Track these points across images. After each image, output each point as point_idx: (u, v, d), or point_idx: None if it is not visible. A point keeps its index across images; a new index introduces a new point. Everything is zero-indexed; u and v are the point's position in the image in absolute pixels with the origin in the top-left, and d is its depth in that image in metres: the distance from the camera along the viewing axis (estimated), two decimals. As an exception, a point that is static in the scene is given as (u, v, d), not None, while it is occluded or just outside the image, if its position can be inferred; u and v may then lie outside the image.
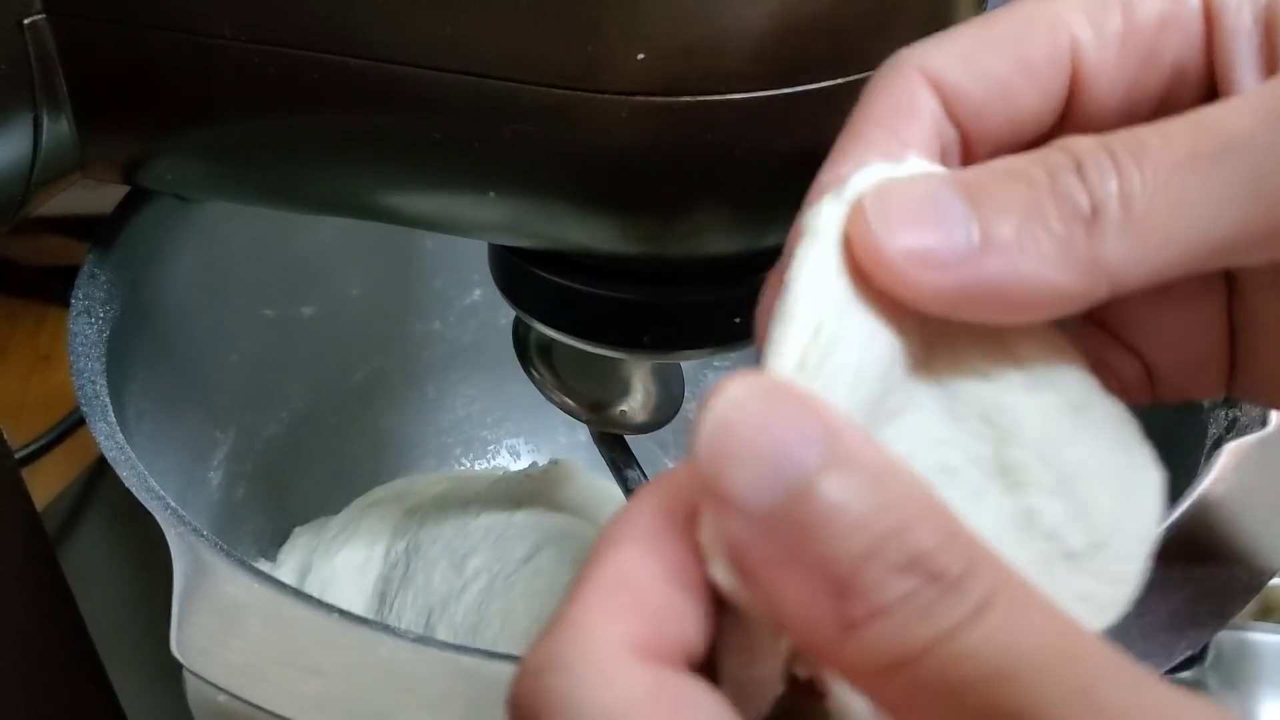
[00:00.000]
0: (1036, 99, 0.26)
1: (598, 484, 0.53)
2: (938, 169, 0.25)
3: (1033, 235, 0.23)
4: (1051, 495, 0.24)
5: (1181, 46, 0.26)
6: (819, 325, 0.22)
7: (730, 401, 0.19)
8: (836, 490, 0.19)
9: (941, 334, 0.24)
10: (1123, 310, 0.26)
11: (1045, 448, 0.24)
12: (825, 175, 0.25)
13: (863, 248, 0.23)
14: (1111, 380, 0.28)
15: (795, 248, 0.23)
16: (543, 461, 0.61)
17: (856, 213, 0.23)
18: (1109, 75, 0.26)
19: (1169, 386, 0.28)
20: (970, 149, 0.26)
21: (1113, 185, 0.23)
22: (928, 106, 0.25)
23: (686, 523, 0.21)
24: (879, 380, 0.23)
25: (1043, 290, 0.23)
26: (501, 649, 0.43)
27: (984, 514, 0.23)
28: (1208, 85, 0.27)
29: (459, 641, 0.44)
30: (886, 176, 0.24)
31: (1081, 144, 0.23)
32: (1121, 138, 0.23)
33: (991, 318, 0.23)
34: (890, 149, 0.25)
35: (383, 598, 0.49)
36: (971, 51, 0.26)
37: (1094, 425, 0.25)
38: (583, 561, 0.42)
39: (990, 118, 0.26)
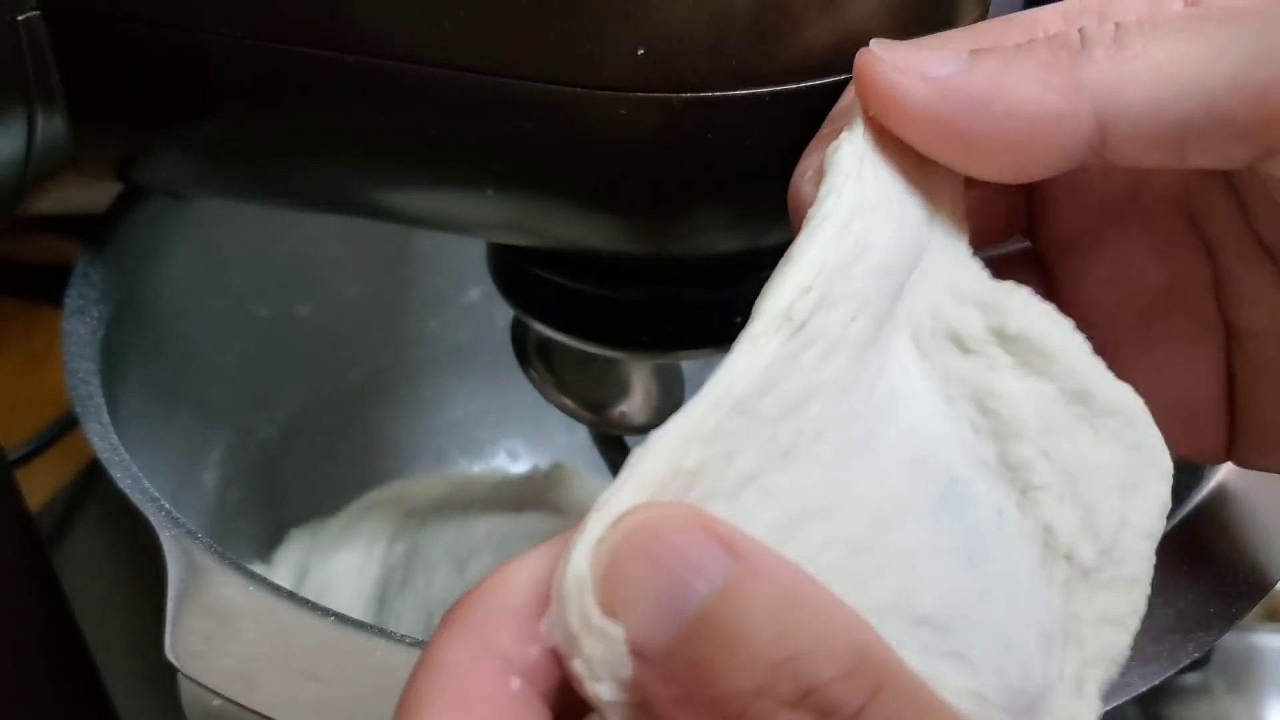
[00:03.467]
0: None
1: (600, 487, 0.53)
2: None
3: (1019, 60, 0.24)
4: (1060, 501, 0.23)
5: None
6: (809, 286, 0.22)
7: (622, 536, 0.19)
8: (731, 622, 0.18)
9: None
10: (1116, 351, 0.26)
11: (1046, 443, 0.24)
12: (825, 129, 0.27)
13: (860, 65, 0.24)
14: (1193, 427, 0.29)
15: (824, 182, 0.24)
16: (541, 463, 0.61)
17: (861, 51, 0.24)
18: None
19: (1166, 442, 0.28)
20: None
21: (1109, 30, 0.23)
22: None
23: (524, 633, 0.20)
24: (867, 347, 0.23)
25: (1024, 106, 0.23)
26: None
27: (1011, 543, 0.23)
28: None
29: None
30: None
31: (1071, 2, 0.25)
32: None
33: (979, 147, 0.24)
34: None
35: (382, 600, 0.49)
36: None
37: (1095, 414, 0.24)
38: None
39: None
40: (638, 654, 0.19)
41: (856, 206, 0.24)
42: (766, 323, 0.22)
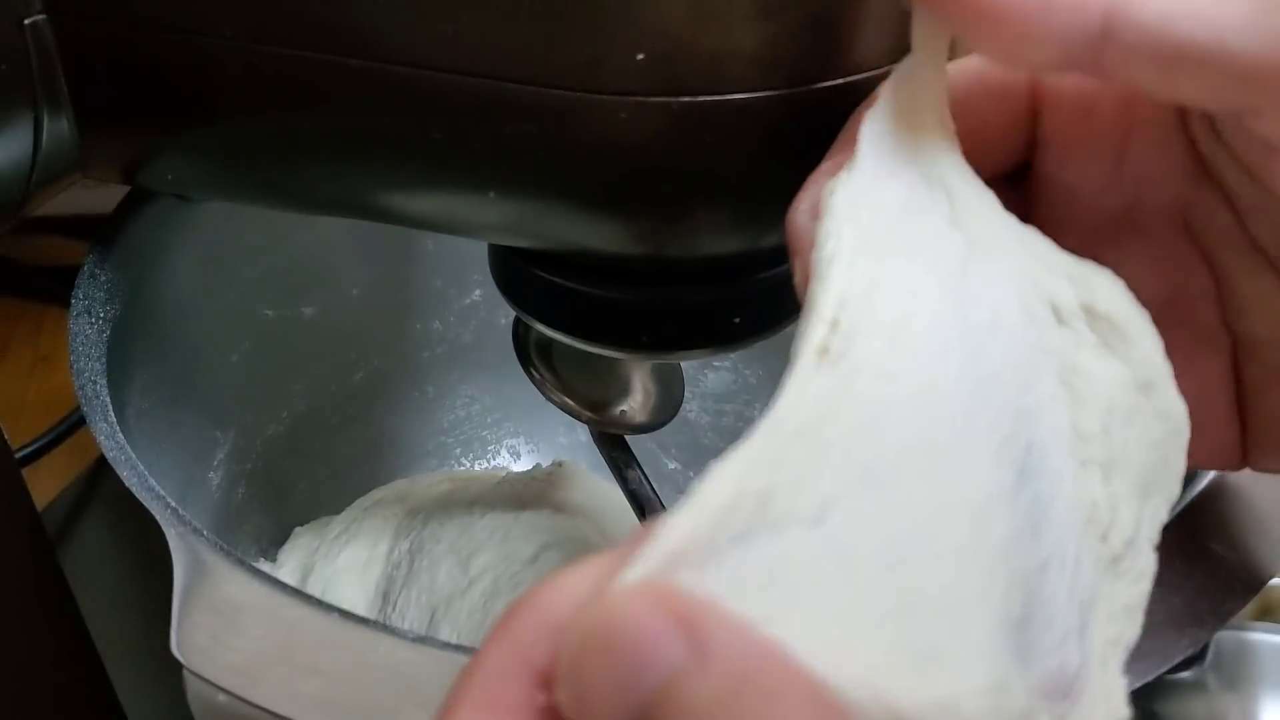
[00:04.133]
0: (998, 113, 0.28)
1: (602, 486, 0.53)
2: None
3: None
4: (1105, 483, 0.24)
5: None
6: (835, 320, 0.22)
7: (585, 625, 0.19)
8: (676, 713, 0.18)
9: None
10: None
11: (1108, 422, 0.24)
12: (826, 164, 0.27)
13: None
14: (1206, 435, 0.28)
15: (821, 226, 0.24)
16: (542, 462, 0.61)
17: None
18: (1067, 94, 0.28)
19: (1262, 458, 0.29)
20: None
21: None
22: None
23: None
24: (929, 351, 0.23)
25: None
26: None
27: (1066, 511, 0.23)
28: None
29: (463, 639, 0.44)
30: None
31: None
32: None
33: (984, 7, 0.23)
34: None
35: (385, 596, 0.49)
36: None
37: (1151, 415, 0.24)
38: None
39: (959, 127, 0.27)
40: None
41: (856, 248, 0.24)
42: (805, 361, 0.22)
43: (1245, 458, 0.30)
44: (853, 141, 0.26)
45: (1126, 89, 0.27)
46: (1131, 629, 0.24)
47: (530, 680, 0.20)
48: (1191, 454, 0.26)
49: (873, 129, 0.26)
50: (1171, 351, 0.28)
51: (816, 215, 0.25)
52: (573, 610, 0.20)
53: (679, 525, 0.19)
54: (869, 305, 0.23)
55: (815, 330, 0.22)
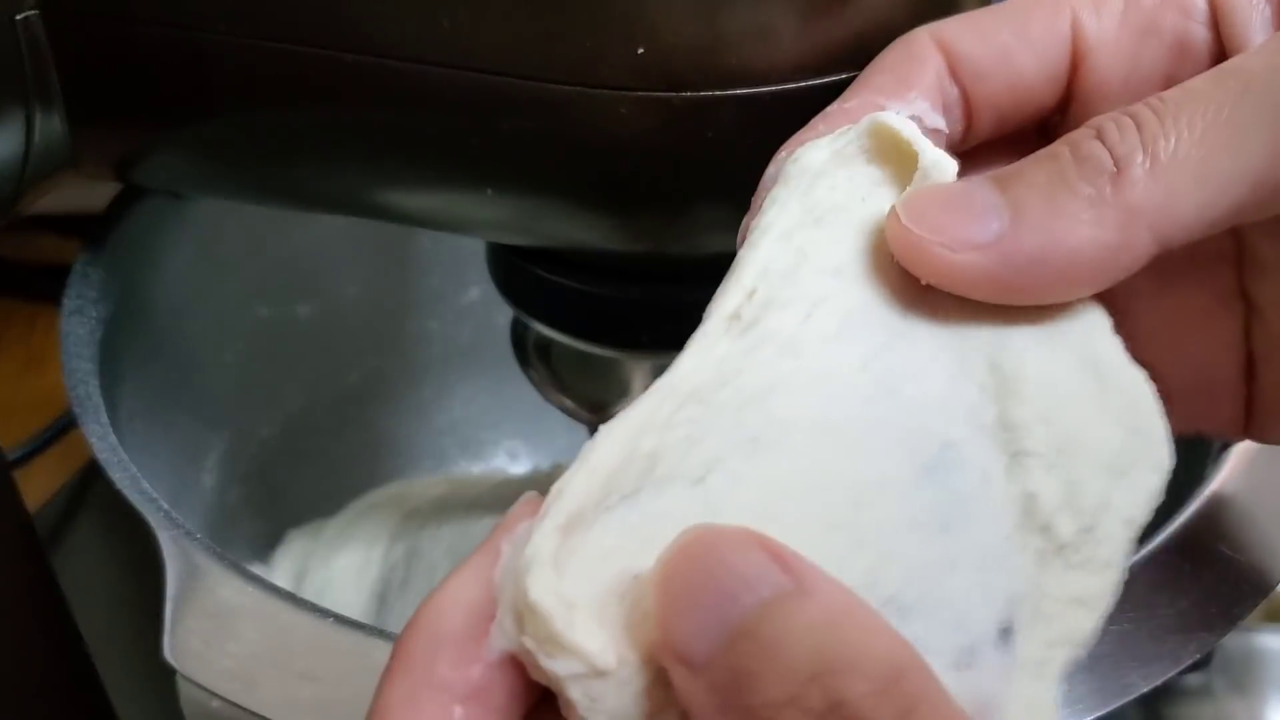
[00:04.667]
0: (1035, 65, 0.27)
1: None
2: (939, 118, 0.26)
3: (1062, 199, 0.23)
4: (1048, 471, 0.23)
5: (1181, 20, 0.27)
6: (753, 289, 0.23)
7: (680, 549, 0.20)
8: (770, 635, 0.19)
9: None
10: (1136, 320, 0.26)
11: (1049, 407, 0.24)
12: (819, 124, 0.27)
13: (900, 245, 0.24)
14: (1206, 399, 0.29)
15: (771, 191, 0.25)
16: (541, 463, 0.61)
17: (892, 215, 0.24)
18: (1110, 50, 0.27)
19: (1182, 415, 0.28)
20: (973, 112, 0.27)
21: (1134, 138, 0.23)
22: (933, 61, 0.27)
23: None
24: (838, 338, 0.24)
25: (1083, 250, 0.23)
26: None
27: (989, 507, 0.23)
28: (1215, 60, 0.27)
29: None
30: (881, 119, 0.25)
31: (1100, 117, 0.24)
32: (1137, 105, 0.24)
33: (1046, 295, 0.24)
34: (896, 92, 0.26)
35: (382, 599, 0.49)
36: (978, 20, 0.27)
37: (1104, 391, 0.24)
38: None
39: (991, 80, 0.27)
40: (682, 661, 0.19)
41: (798, 220, 0.24)
42: (715, 323, 0.23)
43: (1247, 428, 0.29)
44: (852, 93, 0.27)
45: (1170, 48, 0.27)
46: (1083, 622, 0.23)
47: (441, 700, 0.20)
48: (1195, 419, 0.26)
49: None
50: (1187, 309, 0.28)
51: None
52: (465, 619, 0.20)
53: (574, 489, 0.20)
54: (791, 280, 0.24)
55: (731, 297, 0.23)
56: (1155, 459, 0.24)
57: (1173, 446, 0.24)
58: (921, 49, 0.27)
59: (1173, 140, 0.23)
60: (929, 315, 0.24)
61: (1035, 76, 0.27)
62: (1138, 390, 0.24)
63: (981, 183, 0.24)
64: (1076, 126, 0.27)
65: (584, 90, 0.29)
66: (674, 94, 0.29)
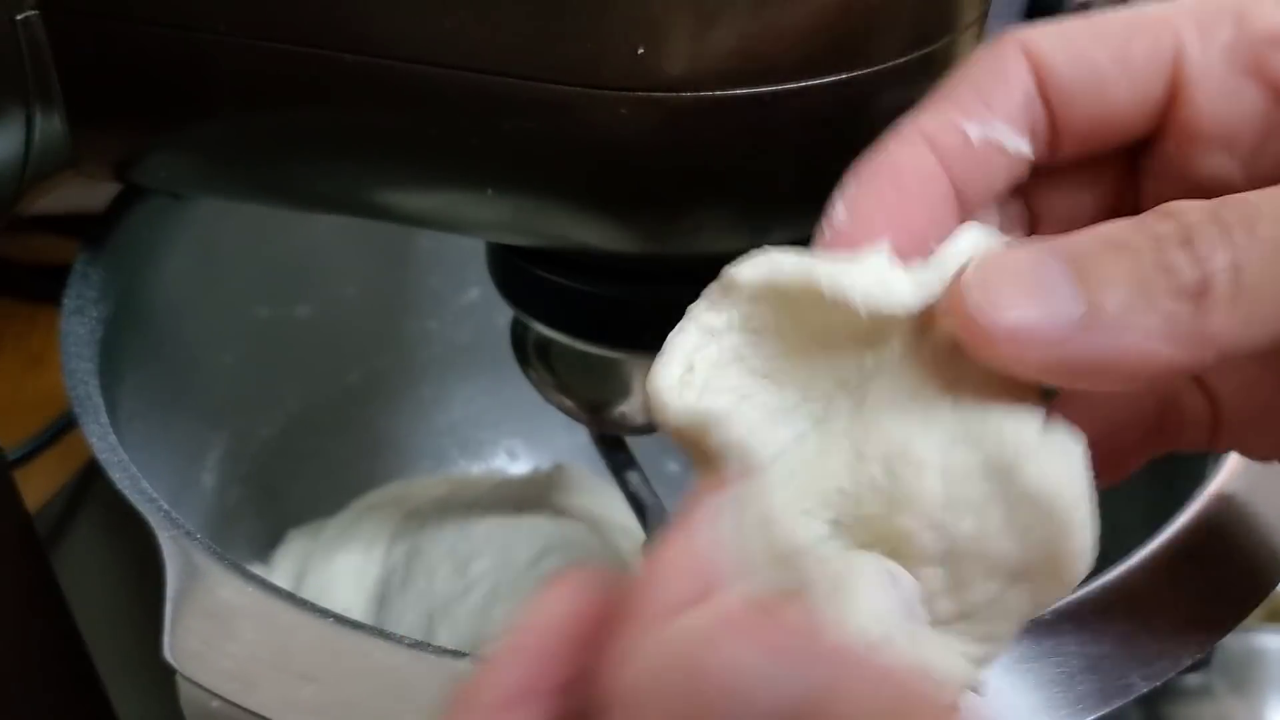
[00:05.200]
0: (1129, 94, 0.26)
1: (601, 489, 0.53)
2: (1022, 143, 0.25)
3: (1140, 310, 0.22)
4: (933, 565, 0.22)
5: None
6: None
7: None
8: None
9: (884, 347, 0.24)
10: None
11: (945, 517, 0.22)
12: (905, 125, 0.26)
13: (965, 323, 0.22)
14: (1173, 418, 0.28)
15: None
16: (541, 463, 0.61)
17: (955, 287, 0.23)
18: (1212, 87, 0.26)
19: (1230, 437, 0.28)
20: (1058, 135, 0.26)
21: (1222, 258, 0.22)
22: (1020, 78, 0.25)
23: None
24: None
25: (1149, 364, 0.22)
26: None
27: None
28: None
29: (461, 644, 0.43)
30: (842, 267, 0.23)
31: (1190, 213, 0.23)
32: (1232, 206, 0.23)
33: (1096, 387, 0.23)
34: (976, 112, 0.25)
35: (382, 600, 0.49)
36: (1074, 36, 0.26)
37: (1015, 495, 0.22)
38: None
39: (1081, 105, 0.26)
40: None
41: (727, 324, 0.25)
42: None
43: (1213, 439, 0.29)
44: (933, 106, 0.25)
45: (1273, 92, 0.26)
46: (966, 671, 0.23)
47: None
48: (1244, 437, 0.25)
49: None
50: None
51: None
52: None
53: None
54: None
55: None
56: (1063, 577, 0.22)
57: (1090, 560, 0.22)
58: (1010, 63, 0.25)
59: (1256, 261, 0.22)
60: (856, 388, 0.24)
61: (1128, 105, 0.26)
62: (1054, 497, 0.22)
63: (1054, 263, 0.23)
64: (1164, 162, 0.26)
65: (585, 91, 0.29)
66: (674, 94, 0.29)
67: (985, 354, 0.22)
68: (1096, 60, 0.25)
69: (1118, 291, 0.22)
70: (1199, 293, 0.22)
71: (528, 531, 0.49)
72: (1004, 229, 0.27)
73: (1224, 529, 0.33)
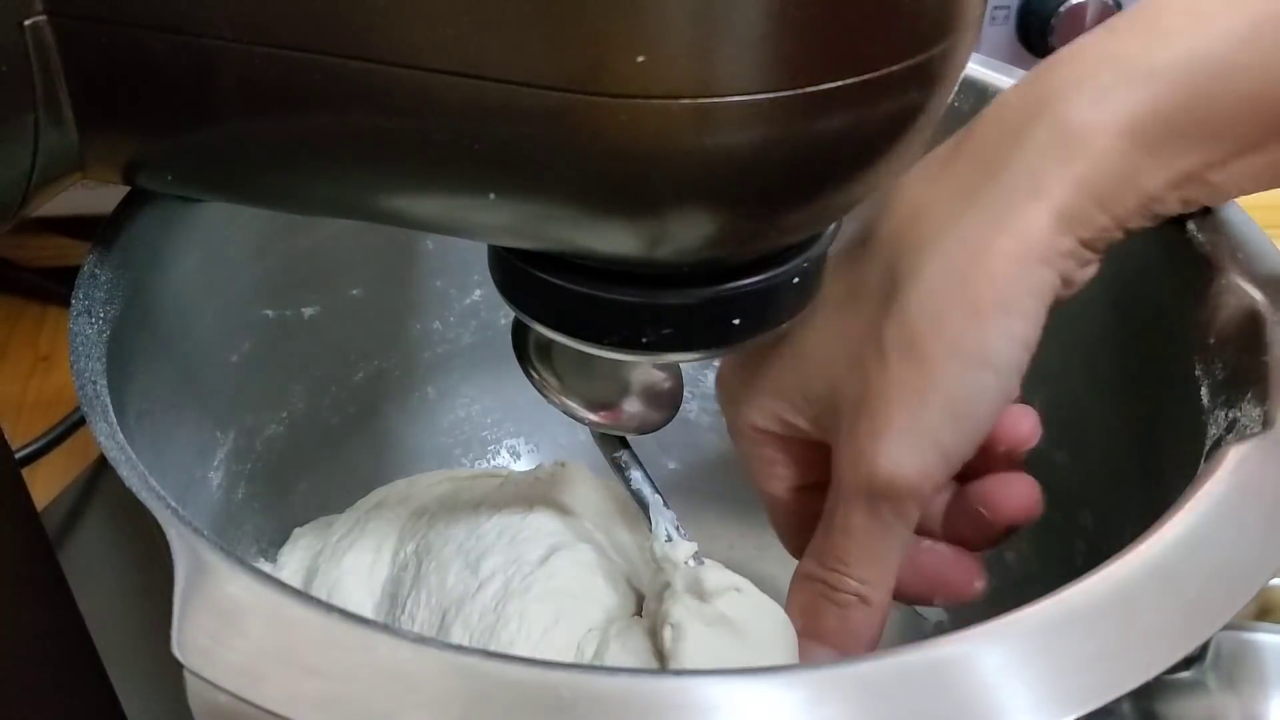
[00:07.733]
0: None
1: (605, 486, 0.53)
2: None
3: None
4: None
5: None
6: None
7: None
8: None
9: None
10: None
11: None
12: None
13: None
14: None
15: None
16: (544, 462, 0.61)
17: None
18: None
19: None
20: None
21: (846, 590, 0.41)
22: None
23: None
24: None
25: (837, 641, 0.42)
26: (519, 648, 0.43)
27: None
28: None
29: (476, 641, 0.44)
30: None
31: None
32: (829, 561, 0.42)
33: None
34: None
35: (393, 599, 0.49)
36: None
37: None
38: (596, 565, 0.45)
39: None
40: None
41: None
42: None
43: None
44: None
45: None
46: None
47: None
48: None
49: None
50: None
51: None
52: None
53: None
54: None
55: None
56: None
57: None
58: None
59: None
60: None
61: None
62: None
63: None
64: None
65: (585, 98, 0.29)
66: (674, 101, 0.29)
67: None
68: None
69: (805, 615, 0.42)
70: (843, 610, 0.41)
71: (536, 530, 0.49)
72: None
73: (1215, 525, 0.33)
